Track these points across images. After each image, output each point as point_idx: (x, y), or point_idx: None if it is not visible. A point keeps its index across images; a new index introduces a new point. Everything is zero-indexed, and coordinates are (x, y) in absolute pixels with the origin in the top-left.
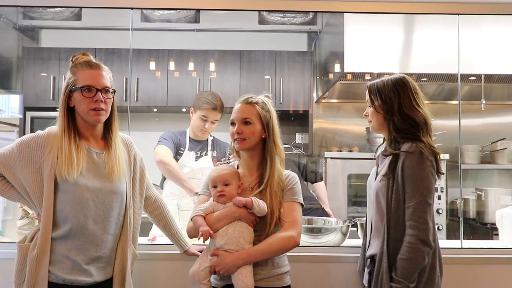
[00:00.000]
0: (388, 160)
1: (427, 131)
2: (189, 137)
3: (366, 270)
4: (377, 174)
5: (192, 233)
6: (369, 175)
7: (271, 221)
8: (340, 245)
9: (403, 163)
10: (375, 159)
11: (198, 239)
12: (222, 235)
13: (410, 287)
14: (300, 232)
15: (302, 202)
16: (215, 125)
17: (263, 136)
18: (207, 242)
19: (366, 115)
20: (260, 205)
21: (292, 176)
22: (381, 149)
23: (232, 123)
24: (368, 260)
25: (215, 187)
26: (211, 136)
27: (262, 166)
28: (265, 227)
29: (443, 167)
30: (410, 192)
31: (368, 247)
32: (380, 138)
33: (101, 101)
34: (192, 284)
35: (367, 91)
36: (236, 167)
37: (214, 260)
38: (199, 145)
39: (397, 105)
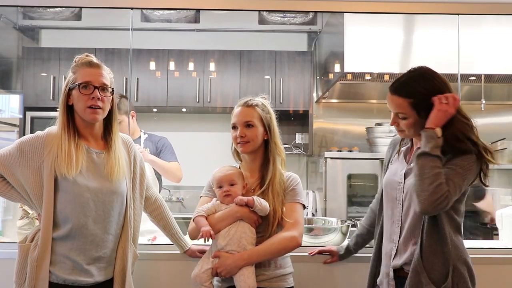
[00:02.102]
0: None
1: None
2: None
3: (390, 281)
4: (405, 173)
5: (194, 234)
6: (369, 175)
7: (274, 221)
8: (340, 245)
9: (454, 155)
10: (397, 155)
11: (198, 239)
12: (224, 236)
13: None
14: (302, 233)
15: (304, 203)
16: (121, 125)
17: (265, 138)
18: (210, 242)
19: (395, 124)
20: (262, 204)
21: (293, 177)
22: (407, 144)
23: (234, 127)
24: (395, 271)
25: (220, 187)
26: (145, 134)
27: (264, 167)
28: (267, 227)
29: None
30: (458, 164)
31: (396, 254)
32: (380, 139)
33: (98, 98)
34: (194, 287)
35: (397, 101)
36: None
37: (215, 262)
38: None
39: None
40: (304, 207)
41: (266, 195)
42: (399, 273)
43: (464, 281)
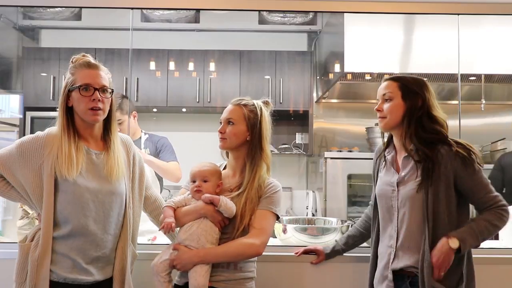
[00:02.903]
0: (415, 165)
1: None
2: None
3: (389, 283)
4: (398, 180)
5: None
6: (369, 175)
7: (240, 225)
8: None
9: (459, 164)
10: (377, 162)
11: (159, 230)
12: (185, 230)
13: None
14: (265, 242)
15: (278, 214)
16: (123, 125)
17: (247, 139)
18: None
19: (379, 110)
20: (228, 205)
21: (274, 185)
22: (391, 153)
23: (220, 123)
24: (393, 272)
25: (194, 181)
26: (145, 134)
27: (245, 169)
28: (233, 230)
29: None
30: (481, 185)
31: (394, 258)
32: (380, 139)
33: (99, 100)
34: (152, 276)
35: (387, 83)
36: (224, 167)
37: (174, 254)
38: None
39: (423, 103)
40: (277, 217)
41: (239, 198)
42: (397, 272)
43: (473, 279)
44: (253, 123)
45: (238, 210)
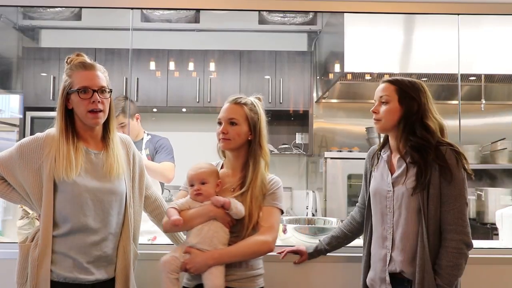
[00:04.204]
0: (407, 166)
1: (443, 136)
2: None
3: (387, 286)
4: (393, 180)
5: (167, 227)
6: None
7: (249, 224)
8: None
9: (441, 167)
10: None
11: (170, 227)
12: (196, 234)
13: None
14: (275, 238)
15: (282, 208)
16: (126, 129)
17: (249, 138)
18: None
19: (375, 112)
20: (238, 208)
21: (275, 181)
22: (387, 152)
23: (219, 123)
24: (390, 274)
25: (192, 185)
26: (148, 135)
27: (246, 167)
28: (242, 229)
29: None
30: (453, 195)
31: (390, 261)
32: (380, 139)
33: (99, 101)
34: (161, 272)
35: (385, 85)
36: (221, 166)
37: (186, 257)
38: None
39: (418, 108)
40: (282, 212)
41: (244, 197)
42: (394, 276)
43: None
44: (254, 122)
45: (246, 209)
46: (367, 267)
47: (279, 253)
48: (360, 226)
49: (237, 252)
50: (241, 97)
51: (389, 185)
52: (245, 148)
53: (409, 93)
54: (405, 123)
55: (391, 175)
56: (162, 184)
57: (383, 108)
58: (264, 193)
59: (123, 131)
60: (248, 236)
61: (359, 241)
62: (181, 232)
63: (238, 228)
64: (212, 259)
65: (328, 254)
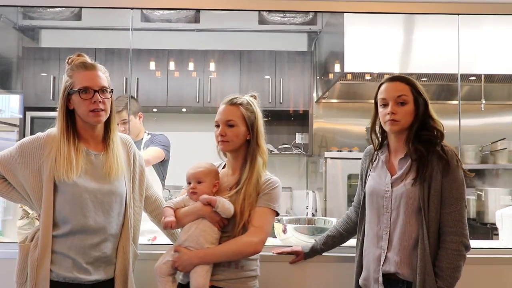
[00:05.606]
0: (411, 164)
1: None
2: None
3: (379, 287)
4: (392, 181)
5: (163, 226)
6: None
7: (240, 222)
8: (340, 245)
9: (444, 167)
10: (370, 162)
11: (163, 227)
12: (185, 231)
13: None
14: (264, 240)
15: (277, 210)
16: (127, 125)
17: (247, 138)
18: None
19: (394, 113)
20: (225, 206)
21: (272, 181)
22: (385, 153)
23: (217, 125)
24: (384, 275)
25: (189, 183)
26: (148, 134)
27: (244, 166)
28: (233, 228)
29: None
30: (454, 197)
31: (384, 261)
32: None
33: (100, 101)
34: (156, 277)
35: (399, 84)
36: (223, 166)
37: (175, 256)
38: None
39: (426, 106)
40: (277, 214)
41: (238, 195)
42: (388, 277)
43: None
44: (252, 121)
45: (237, 207)
46: (360, 267)
47: (277, 253)
48: (356, 226)
49: (221, 252)
50: (236, 97)
51: (388, 185)
52: (244, 148)
53: (420, 92)
54: (418, 122)
55: (391, 176)
56: (163, 185)
57: (402, 109)
58: (259, 192)
59: (124, 128)
60: (240, 235)
61: (353, 241)
62: (179, 230)
63: (230, 227)
64: (197, 258)
65: (323, 253)
